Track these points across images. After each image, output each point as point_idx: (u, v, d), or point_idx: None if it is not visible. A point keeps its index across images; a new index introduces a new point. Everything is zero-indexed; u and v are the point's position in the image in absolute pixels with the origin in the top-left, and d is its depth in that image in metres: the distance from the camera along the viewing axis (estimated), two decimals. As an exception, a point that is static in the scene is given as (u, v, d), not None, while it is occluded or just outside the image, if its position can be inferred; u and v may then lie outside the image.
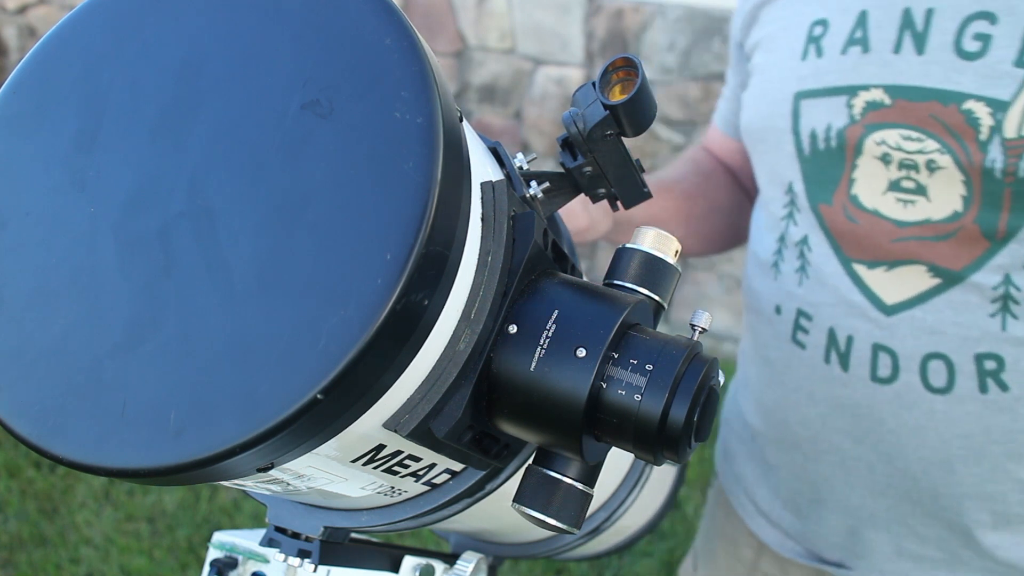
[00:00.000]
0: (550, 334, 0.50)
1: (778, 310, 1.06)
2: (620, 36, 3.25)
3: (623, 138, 0.63)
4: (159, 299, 0.45)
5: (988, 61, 0.86)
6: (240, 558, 0.79)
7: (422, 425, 0.48)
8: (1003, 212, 0.88)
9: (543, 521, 0.52)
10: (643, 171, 0.70)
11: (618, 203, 0.72)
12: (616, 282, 0.56)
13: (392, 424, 0.48)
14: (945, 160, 0.89)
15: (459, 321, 0.48)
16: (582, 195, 0.99)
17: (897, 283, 0.95)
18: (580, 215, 0.99)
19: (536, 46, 3.41)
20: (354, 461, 0.51)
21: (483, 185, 0.50)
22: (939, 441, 0.96)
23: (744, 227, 1.25)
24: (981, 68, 0.86)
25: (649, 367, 0.50)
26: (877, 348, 0.97)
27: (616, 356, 0.50)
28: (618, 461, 0.83)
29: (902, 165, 0.92)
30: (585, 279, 0.58)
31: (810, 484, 1.09)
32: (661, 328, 0.56)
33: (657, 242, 0.57)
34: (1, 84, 0.55)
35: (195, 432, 0.42)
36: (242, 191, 0.45)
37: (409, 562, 0.78)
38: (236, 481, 0.51)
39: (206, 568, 0.79)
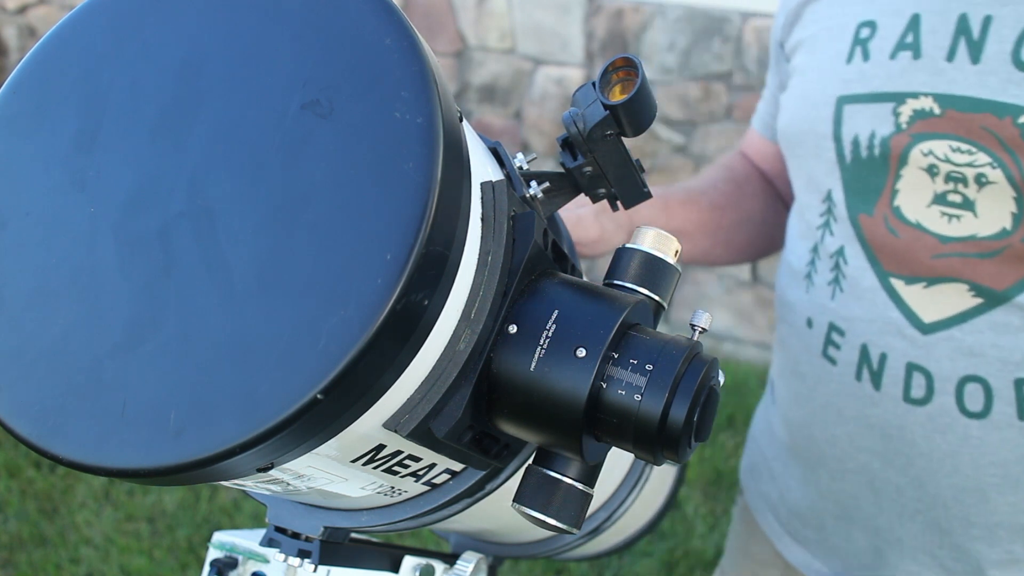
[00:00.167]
0: (550, 334, 0.50)
1: (809, 323, 1.03)
2: (620, 36, 3.25)
3: (623, 138, 0.63)
4: (159, 299, 0.45)
5: None
6: (240, 558, 0.79)
7: (422, 425, 0.48)
8: None
9: (543, 521, 0.52)
10: (643, 171, 0.70)
11: (619, 203, 0.72)
12: (616, 282, 0.56)
13: (392, 424, 0.48)
14: (996, 175, 0.85)
15: (459, 321, 0.48)
16: (595, 206, 0.98)
17: (936, 301, 0.91)
18: (591, 225, 0.96)
19: (536, 46, 3.41)
20: (354, 461, 0.51)
21: (483, 185, 0.50)
22: (973, 468, 0.93)
23: (778, 236, 1.22)
24: None
25: (649, 367, 0.49)
26: (912, 368, 0.93)
27: (616, 356, 0.50)
28: (618, 461, 0.83)
29: (949, 178, 0.88)
30: (585, 279, 0.58)
31: (836, 502, 1.06)
32: (661, 328, 0.56)
33: (657, 242, 0.57)
34: (1, 84, 0.55)
35: (195, 432, 0.42)
36: (242, 191, 0.45)
37: (409, 562, 0.78)
38: (236, 481, 0.51)
39: (206, 568, 0.79)
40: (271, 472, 0.47)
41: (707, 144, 3.28)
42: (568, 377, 0.49)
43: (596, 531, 0.87)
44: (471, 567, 0.78)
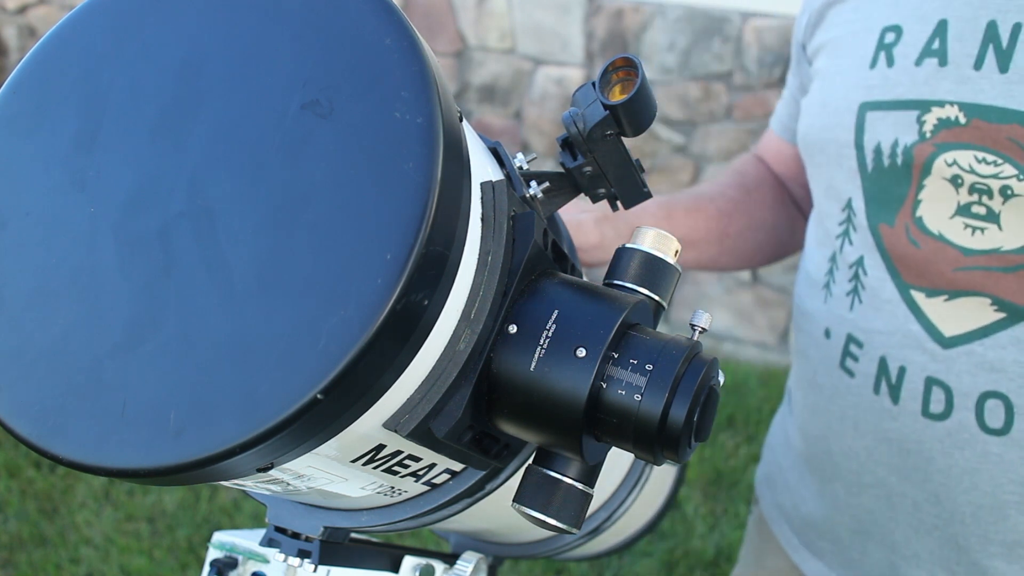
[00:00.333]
0: (550, 334, 0.50)
1: (827, 334, 1.01)
2: (620, 36, 3.25)
3: (623, 138, 0.63)
4: (159, 299, 0.45)
5: None
6: (240, 558, 0.79)
7: (422, 425, 0.48)
8: None
9: (543, 521, 0.52)
10: (643, 171, 0.70)
11: (618, 203, 0.72)
12: (616, 282, 0.56)
13: (392, 424, 0.48)
14: (1022, 187, 0.83)
15: (459, 321, 0.48)
16: (596, 213, 0.98)
17: (957, 314, 0.89)
18: (591, 231, 0.95)
19: (536, 46, 3.41)
20: (354, 461, 0.51)
21: (483, 185, 0.50)
22: (992, 485, 0.91)
23: (789, 241, 1.20)
24: None
25: (649, 367, 0.49)
26: (931, 382, 0.91)
27: (616, 356, 0.50)
28: (618, 461, 0.83)
29: (973, 189, 0.85)
30: (585, 279, 0.58)
31: (852, 516, 1.04)
32: (661, 328, 0.56)
33: (657, 242, 0.57)
34: (1, 84, 0.55)
35: (195, 432, 0.42)
36: (242, 191, 0.45)
37: (409, 562, 0.78)
38: (236, 481, 0.51)
39: (206, 568, 0.79)
40: (271, 472, 0.47)
41: (707, 144, 3.28)
42: (568, 377, 0.49)
43: (596, 531, 0.87)
44: (471, 567, 0.78)
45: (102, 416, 0.44)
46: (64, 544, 2.55)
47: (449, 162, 0.44)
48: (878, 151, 0.91)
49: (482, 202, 0.50)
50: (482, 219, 0.49)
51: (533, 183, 0.65)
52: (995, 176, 0.84)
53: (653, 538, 2.63)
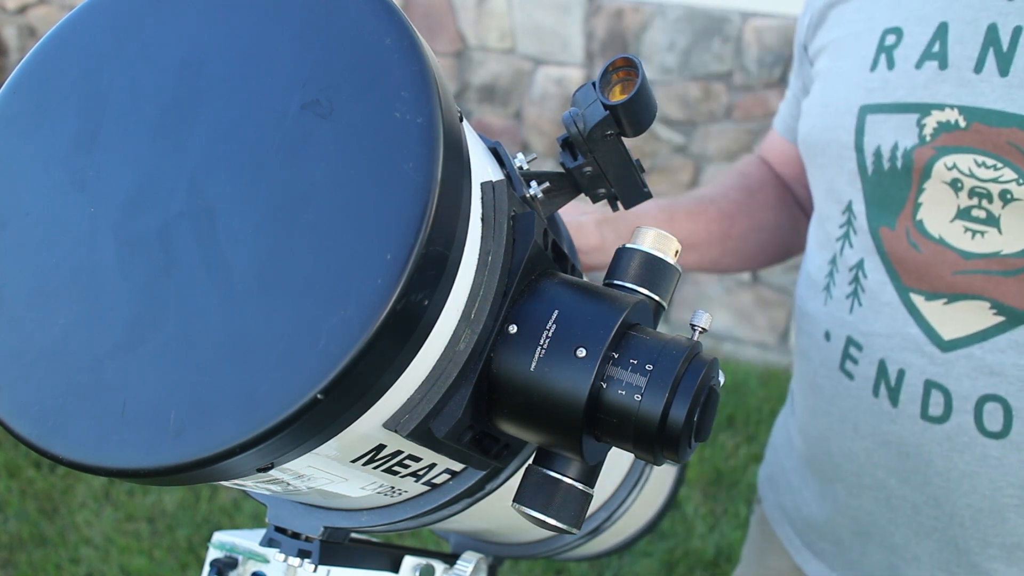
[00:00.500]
0: (550, 334, 0.50)
1: (827, 336, 1.01)
2: (620, 36, 3.25)
3: (623, 138, 0.63)
4: (159, 299, 0.45)
5: None
6: (240, 558, 0.79)
7: (422, 425, 0.48)
8: None
9: (543, 521, 0.52)
10: (643, 171, 0.70)
11: (618, 203, 0.72)
12: (616, 282, 0.56)
13: (392, 424, 0.48)
14: (1022, 191, 0.83)
15: (459, 321, 0.48)
16: (597, 215, 0.98)
17: (956, 318, 0.89)
18: (592, 232, 0.95)
19: (536, 46, 3.41)
20: (354, 461, 0.51)
21: (483, 185, 0.50)
22: (991, 488, 0.91)
23: (793, 242, 1.20)
24: None
25: (649, 367, 0.49)
26: (930, 385, 0.91)
27: (616, 356, 0.50)
28: (618, 461, 0.83)
29: (973, 193, 0.85)
30: (585, 279, 0.58)
31: (852, 518, 1.05)
32: (661, 328, 0.56)
33: (657, 242, 0.57)
34: (1, 84, 0.55)
35: (195, 432, 0.42)
36: (242, 191, 0.45)
37: (409, 562, 0.78)
38: (236, 481, 0.51)
39: (206, 568, 0.79)
40: (271, 472, 0.47)
41: (707, 144, 3.28)
42: (568, 377, 0.49)
43: (596, 531, 0.87)
44: (471, 567, 0.78)
45: (102, 416, 0.44)
46: (64, 544, 2.55)
47: (449, 162, 0.44)
48: (878, 154, 0.91)
49: (482, 202, 0.50)
50: (482, 219, 0.49)
51: (533, 183, 0.65)
52: (995, 180, 0.84)
53: (653, 538, 2.64)
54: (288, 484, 0.53)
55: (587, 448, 0.52)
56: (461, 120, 0.49)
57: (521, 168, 0.64)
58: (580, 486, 0.53)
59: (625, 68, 0.60)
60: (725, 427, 3.07)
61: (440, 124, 0.44)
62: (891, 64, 0.91)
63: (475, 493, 0.59)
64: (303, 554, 0.68)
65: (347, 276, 0.42)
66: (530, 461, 0.55)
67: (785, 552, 1.18)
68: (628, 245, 0.57)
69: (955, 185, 0.87)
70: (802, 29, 1.08)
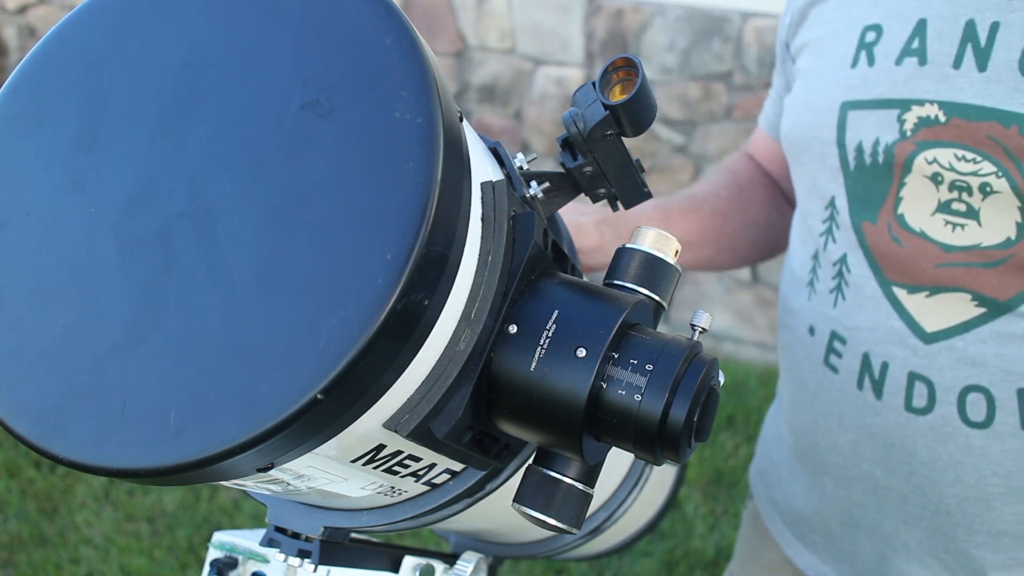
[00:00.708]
0: (550, 334, 0.50)
1: (811, 331, 1.02)
2: (620, 36, 3.25)
3: (623, 138, 0.63)
4: (159, 299, 0.45)
5: None
6: (240, 558, 0.79)
7: (422, 425, 0.48)
8: None
9: (543, 521, 0.52)
10: (643, 171, 0.70)
11: (619, 204, 0.72)
12: (616, 282, 0.56)
13: (392, 424, 0.48)
14: (1001, 184, 0.84)
15: (459, 321, 0.48)
16: (596, 216, 0.98)
17: (938, 310, 0.91)
18: (591, 233, 0.96)
19: (536, 46, 3.41)
20: (354, 461, 0.51)
21: (483, 185, 0.50)
22: (976, 477, 0.92)
23: (782, 237, 1.20)
24: None
25: (649, 367, 0.49)
26: (913, 377, 0.93)
27: (616, 356, 0.50)
28: (618, 461, 0.83)
29: (953, 186, 0.87)
30: (585, 279, 0.58)
31: (841, 509, 1.06)
32: (661, 328, 0.56)
33: (657, 242, 0.57)
34: (1, 84, 0.55)
35: (195, 432, 0.42)
36: (242, 191, 0.45)
37: (409, 562, 0.78)
38: (236, 481, 0.51)
39: (206, 568, 0.79)
40: (271, 472, 0.47)
41: (707, 144, 3.28)
42: (568, 377, 0.49)
43: (596, 531, 0.87)
44: (471, 567, 0.78)
45: (102, 416, 0.44)
46: (64, 544, 2.55)
47: (449, 162, 0.44)
48: (860, 150, 0.93)
49: (482, 202, 0.50)
50: (482, 219, 0.49)
51: (533, 183, 0.65)
52: (975, 173, 0.85)
53: (653, 538, 2.63)
54: (288, 484, 0.53)
55: (587, 448, 0.52)
56: (461, 120, 0.49)
57: (521, 168, 0.64)
58: (580, 486, 0.53)
59: (625, 68, 0.60)
60: (725, 427, 3.07)
61: (440, 124, 0.44)
62: (871, 61, 0.92)
63: (475, 493, 0.59)
64: (303, 554, 0.68)
65: (347, 276, 0.42)
66: (530, 461, 0.55)
67: (777, 546, 1.19)
68: (628, 245, 0.57)
69: (936, 179, 0.88)
70: (783, 28, 1.09)
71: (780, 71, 1.14)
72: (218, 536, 0.80)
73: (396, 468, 0.54)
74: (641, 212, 1.06)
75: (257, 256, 0.44)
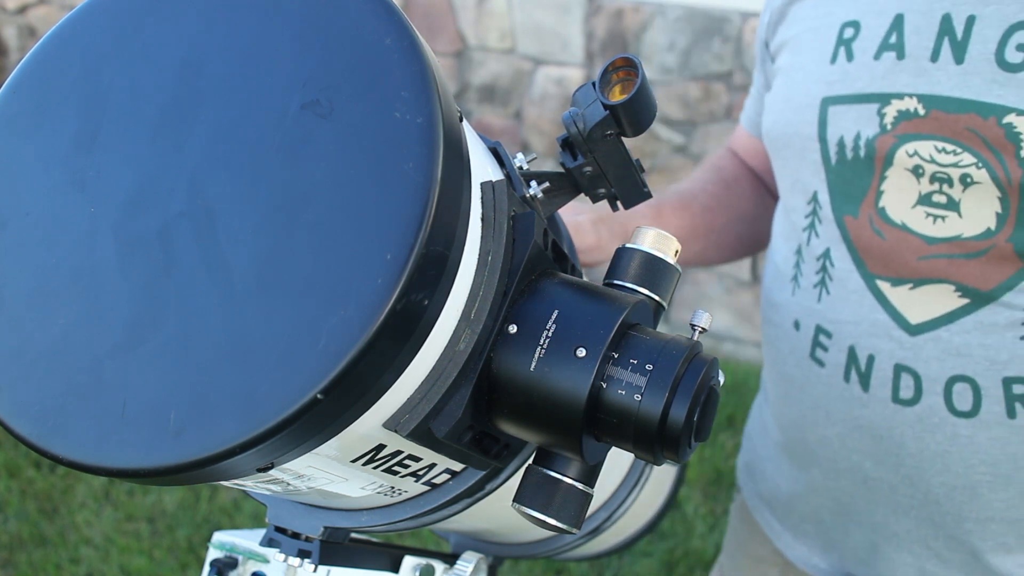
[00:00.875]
0: (550, 334, 0.50)
1: (796, 325, 1.03)
2: (620, 36, 3.25)
3: (623, 138, 0.63)
4: (159, 299, 0.45)
5: None
6: (240, 558, 0.79)
7: (422, 425, 0.48)
8: None
9: (543, 521, 0.52)
10: (643, 171, 0.70)
11: (618, 203, 0.72)
12: (616, 282, 0.56)
13: (392, 424, 0.48)
14: (981, 175, 0.85)
15: (459, 321, 0.48)
16: (593, 215, 0.99)
17: (922, 302, 0.92)
18: (588, 232, 0.96)
19: (536, 46, 3.41)
20: (354, 461, 0.51)
21: (483, 185, 0.50)
22: (963, 466, 0.93)
23: (768, 231, 1.21)
24: None
25: (649, 367, 0.49)
26: (900, 369, 0.93)
27: (616, 356, 0.50)
28: (618, 461, 0.83)
29: (934, 178, 0.88)
30: (585, 279, 0.58)
31: (832, 499, 1.07)
32: (661, 328, 0.56)
33: (657, 242, 0.57)
34: (1, 84, 0.55)
35: (195, 432, 0.42)
36: (242, 191, 0.45)
37: (409, 562, 0.78)
38: (236, 481, 0.51)
39: (206, 568, 0.79)
40: (271, 472, 0.47)
41: (707, 144, 3.28)
42: (568, 377, 0.49)
43: (596, 531, 0.87)
44: (471, 567, 0.78)
45: (102, 416, 0.44)
46: (64, 544, 2.55)
47: (449, 162, 0.44)
48: (841, 144, 0.94)
49: (482, 202, 0.50)
50: (482, 219, 0.49)
51: (533, 183, 0.65)
52: (955, 165, 0.86)
53: (653, 538, 2.63)
54: (288, 484, 0.53)
55: (587, 448, 0.52)
56: (461, 120, 0.49)
57: (521, 168, 0.65)
58: (580, 486, 0.53)
59: (625, 68, 0.60)
60: (725, 427, 3.07)
61: (440, 124, 0.44)
62: (850, 56, 0.93)
63: (475, 493, 0.59)
64: (303, 554, 0.68)
65: (347, 276, 0.42)
66: (530, 461, 0.55)
67: (766, 539, 1.20)
68: (628, 245, 0.57)
69: (916, 171, 0.89)
70: (763, 27, 1.10)
71: (760, 69, 1.16)
72: (218, 536, 0.80)
73: (396, 468, 0.54)
74: (634, 210, 1.07)
75: (257, 256, 0.44)
